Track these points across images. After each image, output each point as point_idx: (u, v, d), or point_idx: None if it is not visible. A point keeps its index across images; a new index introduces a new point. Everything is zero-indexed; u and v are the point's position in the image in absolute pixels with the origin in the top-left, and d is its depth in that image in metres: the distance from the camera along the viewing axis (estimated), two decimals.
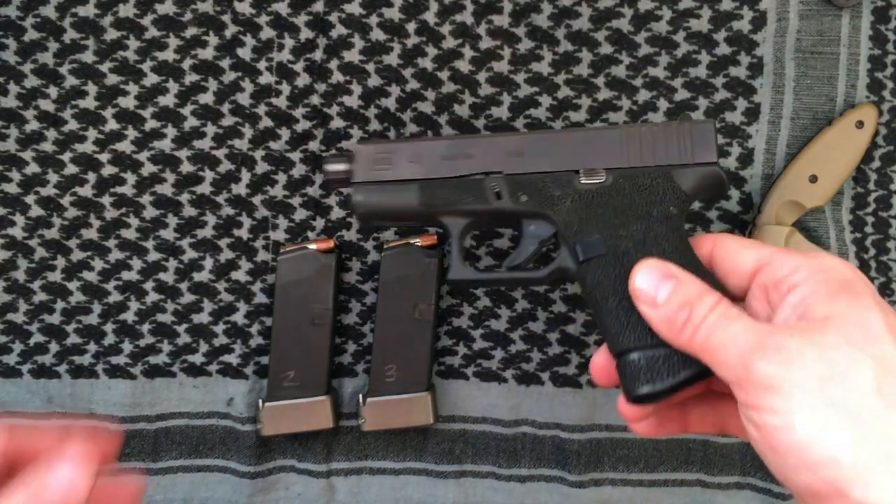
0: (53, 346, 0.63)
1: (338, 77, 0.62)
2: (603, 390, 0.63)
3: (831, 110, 0.63)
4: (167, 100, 0.62)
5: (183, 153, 0.62)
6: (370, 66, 0.62)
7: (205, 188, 0.63)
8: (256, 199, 0.63)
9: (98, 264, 0.63)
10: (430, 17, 0.62)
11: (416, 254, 0.61)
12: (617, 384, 0.47)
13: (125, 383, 0.64)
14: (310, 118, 0.62)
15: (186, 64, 0.62)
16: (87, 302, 0.63)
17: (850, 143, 0.61)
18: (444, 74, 0.62)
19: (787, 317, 0.40)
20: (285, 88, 0.62)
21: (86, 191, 0.62)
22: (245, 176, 0.63)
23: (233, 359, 0.64)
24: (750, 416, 0.38)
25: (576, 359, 0.64)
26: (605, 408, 0.64)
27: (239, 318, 0.64)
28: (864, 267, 0.63)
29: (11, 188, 0.62)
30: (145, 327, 0.64)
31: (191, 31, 0.62)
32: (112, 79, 0.62)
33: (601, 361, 0.48)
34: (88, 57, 0.62)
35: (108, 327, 0.63)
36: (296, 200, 0.63)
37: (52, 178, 0.62)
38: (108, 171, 0.62)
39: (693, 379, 0.44)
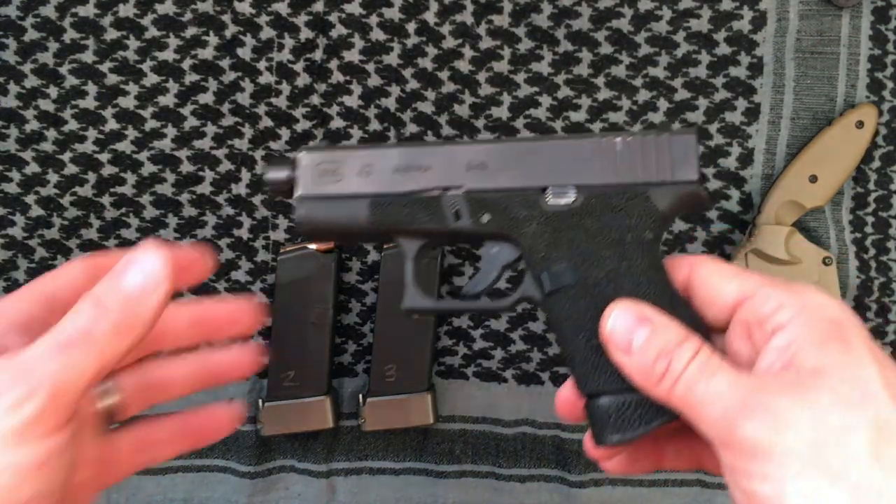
0: None
1: (338, 77, 0.62)
2: None
3: (831, 110, 0.63)
4: (167, 100, 0.62)
5: (183, 153, 0.62)
6: (370, 66, 0.62)
7: (205, 188, 0.63)
8: (256, 199, 0.63)
9: None
10: (430, 17, 0.62)
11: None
12: (584, 420, 0.44)
13: None
14: (310, 118, 0.62)
15: (186, 64, 0.62)
16: None
17: (850, 143, 0.61)
18: (444, 74, 0.62)
19: (771, 363, 0.37)
20: (285, 88, 0.62)
21: (86, 191, 0.62)
22: (245, 176, 0.63)
23: None
24: (736, 480, 0.36)
25: None
26: None
27: None
28: (864, 267, 0.63)
29: (11, 188, 0.62)
30: None
31: (191, 31, 0.62)
32: (112, 79, 0.62)
33: (568, 396, 0.45)
34: (88, 57, 0.62)
35: None
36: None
37: (52, 178, 0.62)
38: (108, 171, 0.62)
39: (668, 423, 0.41)
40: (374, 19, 0.62)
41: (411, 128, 0.62)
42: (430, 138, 0.62)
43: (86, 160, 0.62)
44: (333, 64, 0.62)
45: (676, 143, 0.45)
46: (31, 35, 0.61)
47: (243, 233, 0.63)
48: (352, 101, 0.62)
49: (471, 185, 0.46)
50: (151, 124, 0.62)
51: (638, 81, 0.62)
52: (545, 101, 0.62)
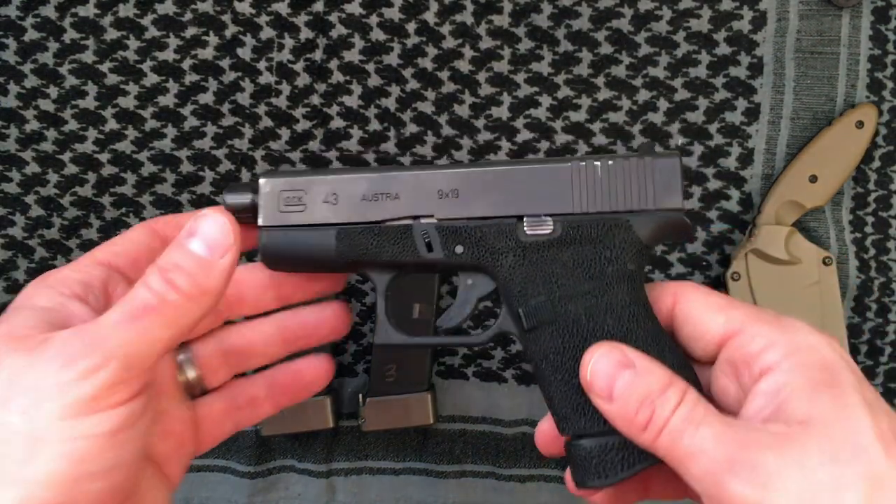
0: None
1: (338, 77, 0.62)
2: None
3: (831, 110, 0.63)
4: (167, 100, 0.62)
5: (183, 153, 0.62)
6: (370, 66, 0.62)
7: (205, 188, 0.63)
8: None
9: None
10: (430, 17, 0.62)
11: None
12: (564, 455, 0.43)
13: None
14: (310, 118, 0.62)
15: (186, 64, 0.62)
16: None
17: (850, 143, 0.61)
18: (444, 74, 0.62)
19: (759, 408, 0.36)
20: (285, 88, 0.62)
21: (86, 191, 0.62)
22: (245, 176, 0.63)
23: None
24: None
25: None
26: None
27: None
28: (864, 267, 0.63)
29: (11, 188, 0.62)
30: None
31: (191, 31, 0.62)
32: (112, 79, 0.62)
33: (547, 430, 0.43)
34: (88, 57, 0.62)
35: None
36: None
37: (52, 178, 0.62)
38: (108, 171, 0.62)
39: (651, 466, 0.40)
40: (374, 19, 0.62)
41: (411, 128, 0.62)
42: (429, 137, 0.62)
43: (86, 160, 0.62)
44: (333, 64, 0.62)
45: (659, 168, 0.42)
46: (31, 35, 0.61)
47: None
48: (352, 101, 0.62)
49: (442, 213, 0.43)
50: (151, 124, 0.62)
51: (638, 81, 0.62)
52: (545, 101, 0.62)
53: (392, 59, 0.62)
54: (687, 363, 0.40)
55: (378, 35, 0.62)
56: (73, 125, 0.62)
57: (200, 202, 0.63)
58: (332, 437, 0.64)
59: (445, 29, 0.62)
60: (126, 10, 0.61)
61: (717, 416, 0.36)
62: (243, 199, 0.44)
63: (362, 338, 0.64)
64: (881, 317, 0.64)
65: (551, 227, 0.42)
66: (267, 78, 0.62)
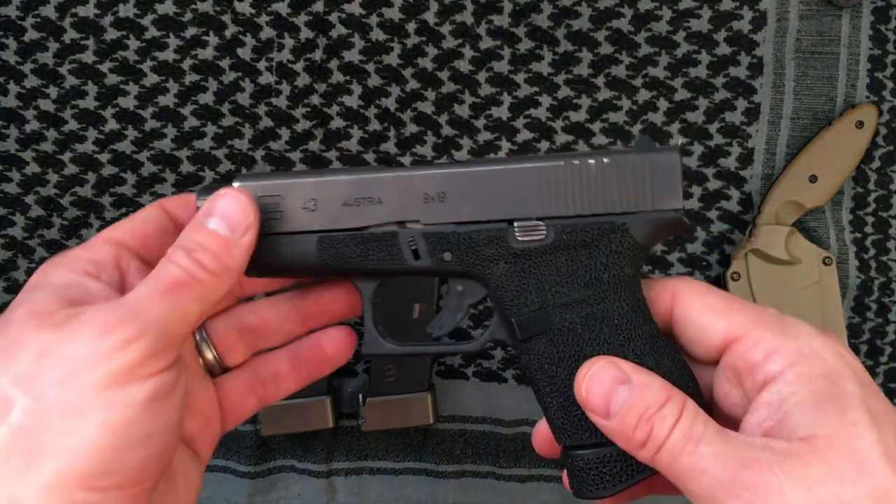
0: None
1: (338, 77, 0.62)
2: None
3: (831, 110, 0.63)
4: (167, 100, 0.62)
5: (183, 153, 0.62)
6: (370, 66, 0.62)
7: None
8: None
9: None
10: (430, 17, 0.62)
11: None
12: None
13: None
14: (310, 118, 0.62)
15: (186, 64, 0.62)
16: None
17: (850, 143, 0.61)
18: (444, 74, 0.62)
19: (761, 421, 0.35)
20: (285, 88, 0.62)
21: (86, 191, 0.62)
22: None
23: None
24: None
25: None
26: None
27: None
28: (864, 267, 0.63)
29: (11, 188, 0.62)
30: None
31: (191, 31, 0.62)
32: (112, 79, 0.62)
33: (546, 432, 0.43)
34: (88, 57, 0.62)
35: None
36: None
37: (52, 178, 0.62)
38: (108, 171, 0.62)
39: (650, 476, 0.39)
40: (374, 19, 0.62)
41: (411, 128, 0.62)
42: (429, 137, 0.62)
43: (86, 160, 0.62)
44: (333, 64, 0.62)
45: (658, 166, 0.40)
46: (31, 35, 0.61)
47: None
48: (352, 101, 0.62)
49: (429, 218, 0.41)
50: (151, 124, 0.62)
51: (638, 81, 0.62)
52: (545, 101, 0.62)
53: (392, 59, 0.62)
54: (687, 370, 0.39)
55: (378, 35, 0.62)
56: (73, 125, 0.62)
57: None
58: (332, 437, 0.64)
59: (445, 29, 0.62)
60: (126, 10, 0.61)
61: (718, 431, 0.35)
62: None
63: (362, 338, 0.64)
64: (881, 317, 0.64)
65: (544, 233, 0.40)
66: (267, 78, 0.62)
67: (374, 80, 0.62)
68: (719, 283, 0.63)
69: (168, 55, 0.62)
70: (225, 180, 0.46)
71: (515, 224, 0.40)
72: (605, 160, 0.40)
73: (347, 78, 0.62)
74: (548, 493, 0.63)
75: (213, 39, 0.62)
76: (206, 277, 0.37)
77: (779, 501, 0.32)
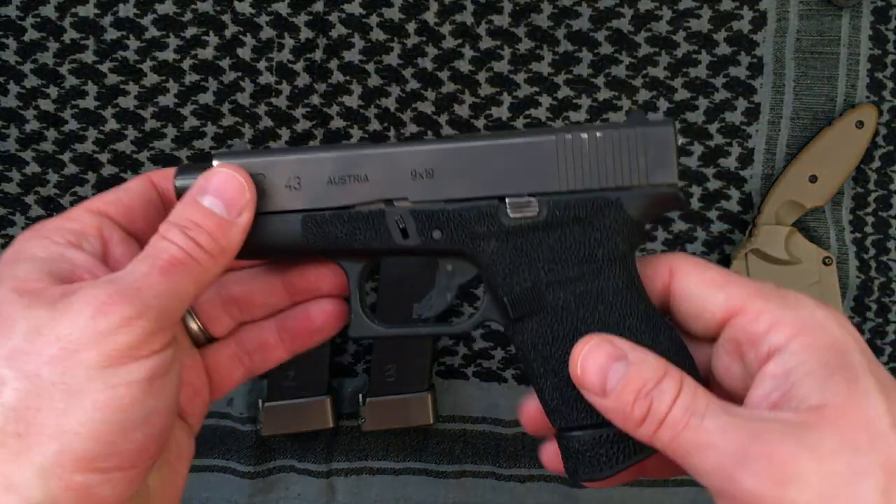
0: None
1: (338, 77, 0.62)
2: None
3: (831, 110, 0.63)
4: (167, 100, 0.62)
5: (183, 153, 0.62)
6: (370, 66, 0.62)
7: None
8: None
9: None
10: (430, 17, 0.62)
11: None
12: (550, 432, 0.42)
13: None
14: (310, 118, 0.62)
15: (186, 64, 0.62)
16: None
17: (850, 143, 0.61)
18: (444, 74, 0.62)
19: (767, 393, 0.34)
20: (285, 88, 0.62)
21: (86, 190, 0.62)
22: None
23: None
24: None
25: None
26: None
27: None
28: (864, 267, 0.63)
29: (11, 188, 0.62)
30: None
31: (191, 31, 0.62)
32: (112, 79, 0.62)
33: (534, 410, 0.42)
34: (88, 57, 0.62)
35: None
36: None
37: (52, 178, 0.62)
38: (108, 171, 0.62)
39: (648, 457, 0.38)
40: (374, 19, 0.62)
41: (411, 128, 0.62)
42: (429, 137, 0.62)
43: (86, 160, 0.62)
44: (333, 64, 0.62)
45: (652, 140, 0.39)
46: (31, 35, 0.61)
47: None
48: (352, 101, 0.62)
49: (417, 196, 0.40)
50: (151, 124, 0.62)
51: (638, 81, 0.62)
52: (545, 101, 0.62)
53: (392, 59, 0.62)
54: (684, 348, 0.39)
55: (378, 35, 0.62)
56: (73, 125, 0.62)
57: None
58: (332, 437, 0.64)
59: (445, 29, 0.62)
60: (126, 10, 0.61)
61: (720, 406, 0.34)
62: (192, 183, 0.39)
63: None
64: (881, 317, 0.64)
65: (536, 209, 0.39)
66: (267, 78, 0.62)
67: (374, 80, 0.62)
68: None
69: (168, 55, 0.62)
70: (204, 158, 0.44)
71: (507, 200, 0.39)
72: (599, 134, 0.39)
73: (347, 78, 0.62)
74: (548, 494, 0.63)
75: (213, 39, 0.62)
76: (203, 258, 0.36)
77: (794, 472, 0.31)
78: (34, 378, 0.33)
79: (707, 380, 0.39)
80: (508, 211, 0.39)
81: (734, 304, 0.37)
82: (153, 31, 0.62)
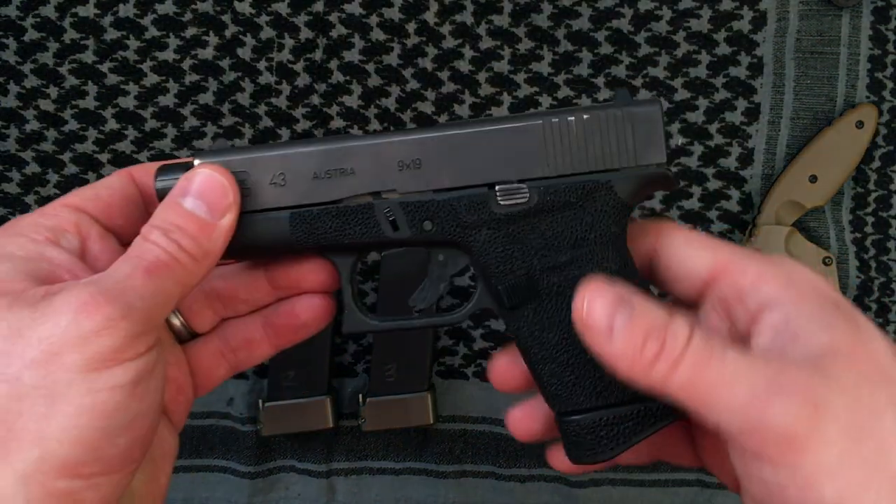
0: None
1: (338, 77, 0.62)
2: None
3: (831, 110, 0.63)
4: (167, 100, 0.62)
5: (183, 153, 0.62)
6: (370, 66, 0.62)
7: None
8: None
9: None
10: (430, 17, 0.62)
11: (417, 253, 0.61)
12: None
13: None
14: (310, 118, 0.62)
15: (186, 64, 0.62)
16: None
17: (850, 143, 0.61)
18: (444, 74, 0.62)
19: (769, 343, 0.34)
20: (285, 88, 0.62)
21: None
22: None
23: None
24: (759, 471, 0.32)
25: None
26: None
27: None
28: (864, 267, 0.63)
29: (11, 188, 0.62)
30: None
31: (191, 31, 0.62)
32: (112, 79, 0.62)
33: (522, 417, 0.42)
34: (88, 57, 0.62)
35: None
36: None
37: (52, 178, 0.62)
38: (108, 171, 0.62)
39: (650, 435, 0.38)
40: (374, 19, 0.62)
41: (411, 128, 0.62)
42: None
43: (86, 160, 0.62)
44: (333, 64, 0.62)
45: (639, 119, 0.38)
46: (31, 35, 0.61)
47: None
48: (352, 101, 0.62)
49: (405, 187, 0.39)
50: (151, 124, 0.62)
51: (638, 81, 0.62)
52: (545, 101, 0.62)
53: (392, 59, 0.62)
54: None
55: (378, 35, 0.62)
56: (73, 125, 0.62)
57: None
58: (332, 437, 0.64)
59: (445, 29, 0.62)
60: (126, 10, 0.61)
61: (737, 347, 0.33)
62: (177, 181, 0.38)
63: (362, 337, 0.64)
64: (881, 317, 0.64)
65: (527, 196, 0.39)
66: (267, 78, 0.62)
67: (374, 80, 0.62)
68: None
69: (168, 55, 0.62)
70: (186, 156, 0.43)
71: (497, 188, 0.39)
72: (585, 116, 0.39)
73: (347, 78, 0.62)
74: (548, 494, 0.63)
75: (213, 39, 0.62)
76: (186, 260, 0.36)
77: (824, 404, 0.31)
78: (15, 381, 0.32)
79: None
80: (499, 198, 0.39)
81: (719, 263, 0.37)
82: (153, 31, 0.62)
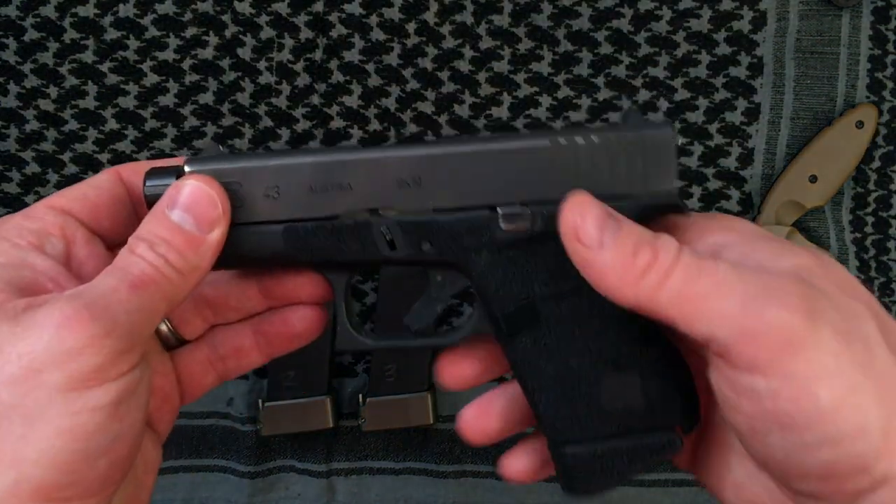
0: None
1: (338, 77, 0.62)
2: None
3: (831, 110, 0.63)
4: (167, 100, 0.62)
5: (183, 153, 0.62)
6: (370, 66, 0.62)
7: None
8: None
9: None
10: (430, 17, 0.62)
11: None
12: (500, 437, 0.41)
13: None
14: (310, 118, 0.62)
15: (186, 64, 0.62)
16: None
17: (850, 143, 0.61)
18: (444, 74, 0.62)
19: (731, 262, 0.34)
20: (285, 88, 0.62)
21: None
22: None
23: None
24: (750, 383, 0.31)
25: None
26: None
27: None
28: (864, 267, 0.63)
29: (11, 188, 0.62)
30: None
31: (191, 31, 0.62)
32: (112, 79, 0.62)
33: (473, 418, 0.41)
34: (88, 57, 0.62)
35: None
36: None
37: (52, 178, 0.62)
38: None
39: (645, 471, 0.37)
40: (374, 19, 0.62)
41: (411, 128, 0.62)
42: (429, 137, 0.62)
43: (86, 160, 0.62)
44: (333, 64, 0.62)
45: (650, 145, 0.37)
46: (31, 35, 0.61)
47: None
48: (352, 101, 0.62)
49: (404, 206, 0.37)
50: (151, 124, 0.62)
51: (638, 81, 0.62)
52: (545, 101, 0.62)
53: (392, 59, 0.62)
54: (680, 357, 0.38)
55: (378, 35, 0.62)
56: (73, 125, 0.62)
57: None
58: (332, 437, 0.64)
59: (445, 29, 0.62)
60: (126, 10, 0.61)
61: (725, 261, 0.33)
62: (167, 187, 0.37)
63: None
64: None
65: (530, 220, 0.37)
66: (267, 78, 0.62)
67: (374, 80, 0.62)
68: None
69: (168, 55, 0.62)
70: (179, 158, 0.42)
71: (499, 210, 0.37)
72: (595, 139, 0.37)
73: (347, 78, 0.62)
74: (548, 494, 0.63)
75: (213, 39, 0.62)
76: (173, 275, 0.34)
77: (819, 308, 0.31)
78: None
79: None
80: (501, 223, 0.37)
81: (661, 228, 0.36)
82: (153, 31, 0.62)
